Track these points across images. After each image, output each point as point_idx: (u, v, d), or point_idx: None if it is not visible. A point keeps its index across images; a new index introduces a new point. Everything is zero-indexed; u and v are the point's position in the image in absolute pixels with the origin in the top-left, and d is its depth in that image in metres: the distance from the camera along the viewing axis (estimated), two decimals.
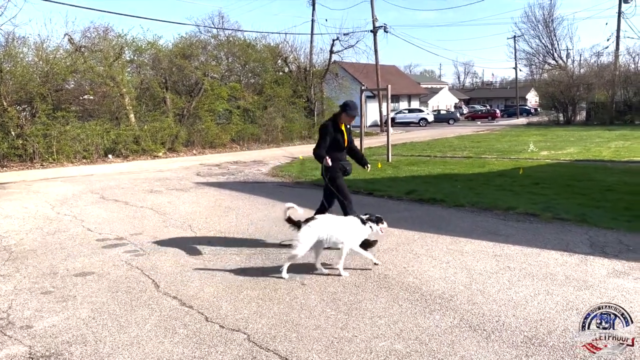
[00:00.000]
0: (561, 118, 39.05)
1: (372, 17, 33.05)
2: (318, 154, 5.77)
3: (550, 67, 52.30)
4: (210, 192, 10.26)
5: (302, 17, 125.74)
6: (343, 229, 5.01)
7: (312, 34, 31.68)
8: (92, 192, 10.50)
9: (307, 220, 4.95)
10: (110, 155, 17.91)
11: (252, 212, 8.10)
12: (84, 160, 17.01)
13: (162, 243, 6.29)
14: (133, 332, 3.75)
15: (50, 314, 4.12)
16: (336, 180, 5.86)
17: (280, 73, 28.54)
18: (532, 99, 71.69)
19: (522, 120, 49.53)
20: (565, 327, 3.69)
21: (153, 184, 11.54)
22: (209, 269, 5.20)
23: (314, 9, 32.58)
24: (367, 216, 5.23)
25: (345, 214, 5.68)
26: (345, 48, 30.43)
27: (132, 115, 19.58)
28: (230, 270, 5.15)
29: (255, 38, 29.41)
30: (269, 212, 8.13)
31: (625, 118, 35.32)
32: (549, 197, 8.58)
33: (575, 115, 39.01)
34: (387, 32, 34.00)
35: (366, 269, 5.11)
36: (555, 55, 52.47)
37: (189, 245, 6.18)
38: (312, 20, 32.19)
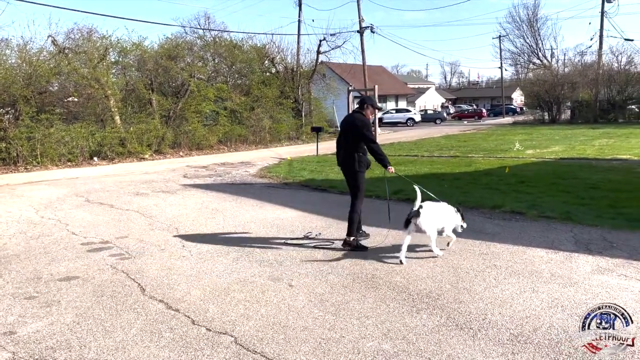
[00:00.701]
0: (546, 117, 39.44)
1: (359, 18, 33.07)
2: (383, 156, 5.75)
3: (535, 67, 52.94)
4: (197, 194, 10.20)
5: (289, 18, 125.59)
6: (446, 215, 5.57)
7: (299, 34, 31.66)
8: (76, 195, 10.38)
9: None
10: (95, 158, 17.72)
11: (240, 214, 8.07)
12: (69, 163, 16.80)
13: (148, 246, 6.23)
14: (118, 337, 3.71)
15: (34, 319, 4.06)
16: (363, 175, 5.94)
17: (268, 74, 28.48)
18: (518, 98, 72.34)
19: (508, 119, 49.96)
20: (550, 324, 3.72)
21: (139, 187, 11.44)
22: (196, 272, 5.17)
23: (300, 9, 32.57)
24: (457, 207, 5.87)
25: (353, 209, 5.86)
26: (332, 48, 30.44)
27: (117, 117, 19.38)
28: (217, 273, 5.13)
29: (242, 39, 29.40)
30: (256, 213, 8.10)
31: (609, 116, 35.78)
32: (534, 196, 8.66)
33: (560, 114, 39.41)
34: (373, 32, 33.93)
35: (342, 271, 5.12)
36: (540, 54, 53.16)
37: (175, 248, 6.14)
38: (299, 21, 32.15)
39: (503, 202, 8.06)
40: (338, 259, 5.49)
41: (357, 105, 6.05)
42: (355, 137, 5.81)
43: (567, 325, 3.68)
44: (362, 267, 5.19)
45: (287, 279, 4.88)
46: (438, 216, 5.46)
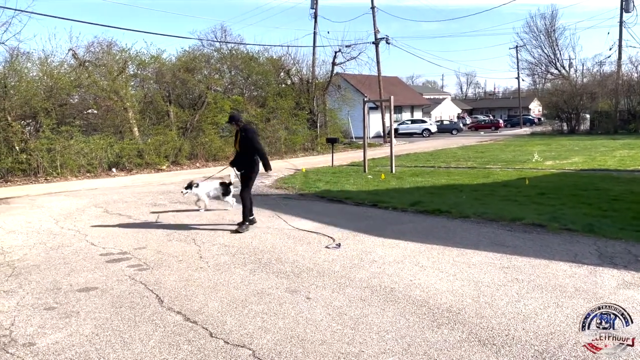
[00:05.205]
0: (565, 127, 39.00)
1: (374, 29, 33.22)
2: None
3: (553, 77, 52.53)
4: (214, 205, 10.22)
5: (305, 30, 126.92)
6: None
7: (314, 46, 31.78)
8: (95, 206, 10.48)
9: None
10: (114, 169, 17.94)
11: (256, 225, 8.05)
12: (88, 174, 17.04)
13: (165, 257, 6.25)
14: (137, 349, 3.69)
15: (53, 330, 4.08)
16: None
17: (283, 85, 28.63)
18: (535, 108, 71.71)
19: (526, 130, 49.47)
20: (576, 340, 3.61)
21: (157, 198, 11.52)
22: (213, 283, 5.15)
23: (315, 21, 32.72)
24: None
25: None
26: (347, 60, 30.48)
27: (135, 129, 19.65)
28: (235, 284, 5.10)
29: (258, 51, 29.63)
30: (272, 224, 8.07)
31: (629, 127, 35.18)
32: (555, 208, 8.50)
33: (579, 124, 38.95)
34: (389, 43, 34.11)
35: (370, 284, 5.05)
36: (558, 64, 52.74)
37: (192, 259, 6.14)
38: (314, 33, 32.29)
39: (523, 214, 7.92)
40: (355, 272, 5.43)
41: (240, 121, 7.86)
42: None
43: None
44: (380, 280, 5.12)
45: (305, 292, 4.83)
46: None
